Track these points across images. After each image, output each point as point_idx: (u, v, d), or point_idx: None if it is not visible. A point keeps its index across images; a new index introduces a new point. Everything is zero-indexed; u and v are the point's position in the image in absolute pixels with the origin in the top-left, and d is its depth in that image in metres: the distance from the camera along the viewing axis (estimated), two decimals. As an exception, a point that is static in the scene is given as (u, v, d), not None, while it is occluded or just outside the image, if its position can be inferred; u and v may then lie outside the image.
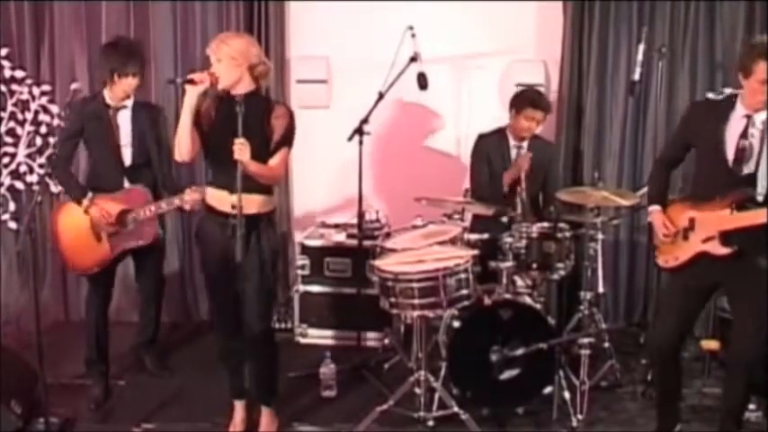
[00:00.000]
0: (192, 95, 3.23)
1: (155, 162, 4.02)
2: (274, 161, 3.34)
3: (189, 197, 3.70)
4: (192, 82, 3.21)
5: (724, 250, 3.15)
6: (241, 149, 3.14)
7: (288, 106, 3.45)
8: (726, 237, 3.14)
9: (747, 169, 3.14)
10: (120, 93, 3.90)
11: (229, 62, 3.24)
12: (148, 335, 4.35)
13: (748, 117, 3.14)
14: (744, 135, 3.13)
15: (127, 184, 3.95)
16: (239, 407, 3.66)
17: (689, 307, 3.35)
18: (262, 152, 3.27)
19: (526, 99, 4.39)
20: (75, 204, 3.89)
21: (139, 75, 3.92)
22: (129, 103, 3.96)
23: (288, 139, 3.37)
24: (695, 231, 3.23)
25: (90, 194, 3.87)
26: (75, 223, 3.90)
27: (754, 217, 3.07)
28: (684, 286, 3.33)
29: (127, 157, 3.96)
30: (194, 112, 3.26)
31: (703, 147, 3.27)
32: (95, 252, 3.90)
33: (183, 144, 3.29)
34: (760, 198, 3.12)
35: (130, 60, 3.86)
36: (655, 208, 3.40)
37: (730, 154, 3.15)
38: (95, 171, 4.05)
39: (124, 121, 3.95)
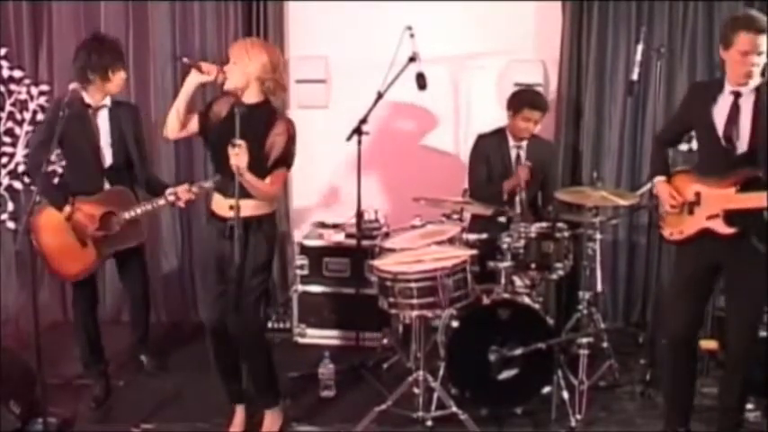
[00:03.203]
0: (193, 80, 3.29)
1: (136, 162, 3.95)
2: (270, 180, 3.32)
3: (183, 194, 3.65)
4: (199, 68, 3.26)
5: (727, 230, 3.13)
6: (238, 153, 3.12)
7: (290, 122, 3.36)
8: (729, 216, 3.13)
9: (741, 148, 3.12)
10: (113, 89, 3.87)
11: (240, 67, 3.27)
12: (140, 334, 4.33)
13: (736, 94, 3.13)
14: (733, 112, 3.12)
15: (107, 185, 3.87)
16: (239, 409, 3.65)
17: (700, 287, 3.32)
18: (259, 164, 3.25)
19: (523, 100, 4.40)
20: (56, 210, 3.77)
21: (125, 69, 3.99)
22: (108, 102, 3.91)
23: (285, 160, 3.34)
24: (701, 207, 3.22)
25: (71, 200, 3.78)
26: (57, 229, 3.78)
27: (759, 199, 3.04)
28: (695, 263, 3.30)
29: (107, 157, 3.89)
30: (190, 97, 3.32)
31: (699, 127, 3.28)
32: (82, 257, 3.81)
33: (173, 121, 3.36)
34: None
35: (121, 55, 3.92)
36: (659, 179, 3.37)
37: (721, 133, 3.15)
38: (73, 174, 3.94)
39: (103, 121, 3.89)
